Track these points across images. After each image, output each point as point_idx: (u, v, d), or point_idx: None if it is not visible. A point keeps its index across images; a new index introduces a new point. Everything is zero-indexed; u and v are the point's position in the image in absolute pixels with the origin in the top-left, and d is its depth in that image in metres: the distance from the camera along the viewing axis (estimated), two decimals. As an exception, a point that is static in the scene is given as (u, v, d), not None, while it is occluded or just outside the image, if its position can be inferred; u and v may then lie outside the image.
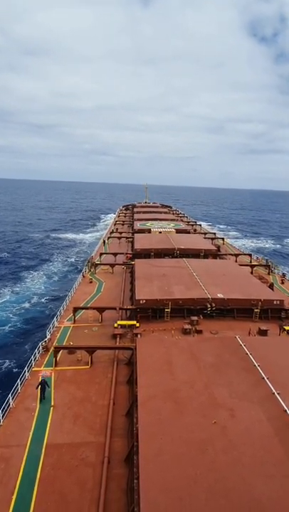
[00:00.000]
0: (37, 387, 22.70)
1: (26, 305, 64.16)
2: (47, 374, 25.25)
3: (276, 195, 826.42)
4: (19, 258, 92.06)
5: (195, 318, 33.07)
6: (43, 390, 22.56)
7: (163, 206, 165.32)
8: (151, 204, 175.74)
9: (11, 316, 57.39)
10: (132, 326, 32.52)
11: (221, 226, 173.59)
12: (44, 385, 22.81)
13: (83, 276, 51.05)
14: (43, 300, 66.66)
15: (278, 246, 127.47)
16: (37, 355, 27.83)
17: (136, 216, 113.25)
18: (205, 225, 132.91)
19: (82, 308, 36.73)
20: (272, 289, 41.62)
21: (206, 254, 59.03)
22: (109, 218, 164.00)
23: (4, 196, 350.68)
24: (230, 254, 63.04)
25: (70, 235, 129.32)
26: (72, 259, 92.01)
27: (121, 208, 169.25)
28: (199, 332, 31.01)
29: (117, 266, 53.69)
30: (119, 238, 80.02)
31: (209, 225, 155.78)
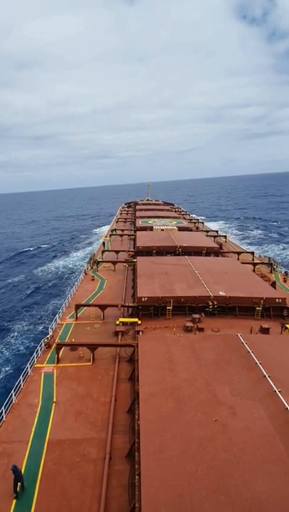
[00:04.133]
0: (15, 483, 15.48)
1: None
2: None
3: (284, 177, 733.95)
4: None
5: (197, 316, 33.00)
6: (16, 481, 15.41)
7: (165, 204, 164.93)
8: (153, 202, 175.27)
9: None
10: (133, 324, 32.60)
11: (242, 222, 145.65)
12: (18, 473, 15.44)
13: (85, 274, 51.15)
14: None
15: None
16: (39, 352, 27.99)
17: (138, 214, 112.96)
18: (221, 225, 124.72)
19: (84, 306, 36.86)
20: (275, 288, 41.52)
21: (208, 252, 58.76)
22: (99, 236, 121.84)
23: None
24: (232, 252, 62.84)
25: (59, 262, 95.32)
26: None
27: (123, 205, 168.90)
28: (201, 330, 30.98)
29: (119, 263, 53.70)
30: (121, 236, 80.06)
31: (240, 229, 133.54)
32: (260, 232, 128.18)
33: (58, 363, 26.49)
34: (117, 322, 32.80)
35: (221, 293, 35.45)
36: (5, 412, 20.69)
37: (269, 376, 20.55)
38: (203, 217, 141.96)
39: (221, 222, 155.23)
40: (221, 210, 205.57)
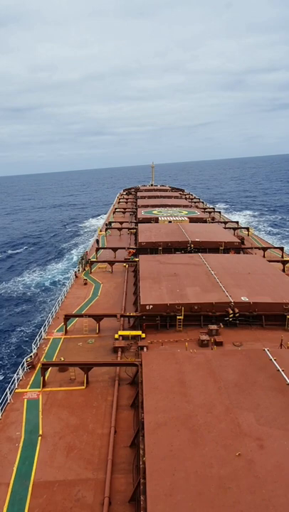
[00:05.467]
0: None
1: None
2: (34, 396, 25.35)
3: None
4: None
5: (214, 327, 33.06)
6: None
7: (173, 190, 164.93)
8: (158, 187, 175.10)
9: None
10: (136, 338, 32.73)
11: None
12: None
13: (76, 277, 51.27)
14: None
15: None
16: (21, 374, 28.10)
17: (140, 202, 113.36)
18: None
19: (76, 316, 37.00)
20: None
21: (227, 248, 59.08)
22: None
23: None
24: (256, 248, 62.86)
25: (32, 277, 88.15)
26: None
27: (121, 192, 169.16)
28: (219, 344, 31.08)
29: (117, 264, 53.88)
30: (119, 229, 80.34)
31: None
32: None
33: (44, 387, 26.58)
34: (116, 336, 32.93)
35: (244, 298, 35.49)
36: None
37: None
38: (224, 206, 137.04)
39: (248, 213, 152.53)
40: (245, 197, 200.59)
